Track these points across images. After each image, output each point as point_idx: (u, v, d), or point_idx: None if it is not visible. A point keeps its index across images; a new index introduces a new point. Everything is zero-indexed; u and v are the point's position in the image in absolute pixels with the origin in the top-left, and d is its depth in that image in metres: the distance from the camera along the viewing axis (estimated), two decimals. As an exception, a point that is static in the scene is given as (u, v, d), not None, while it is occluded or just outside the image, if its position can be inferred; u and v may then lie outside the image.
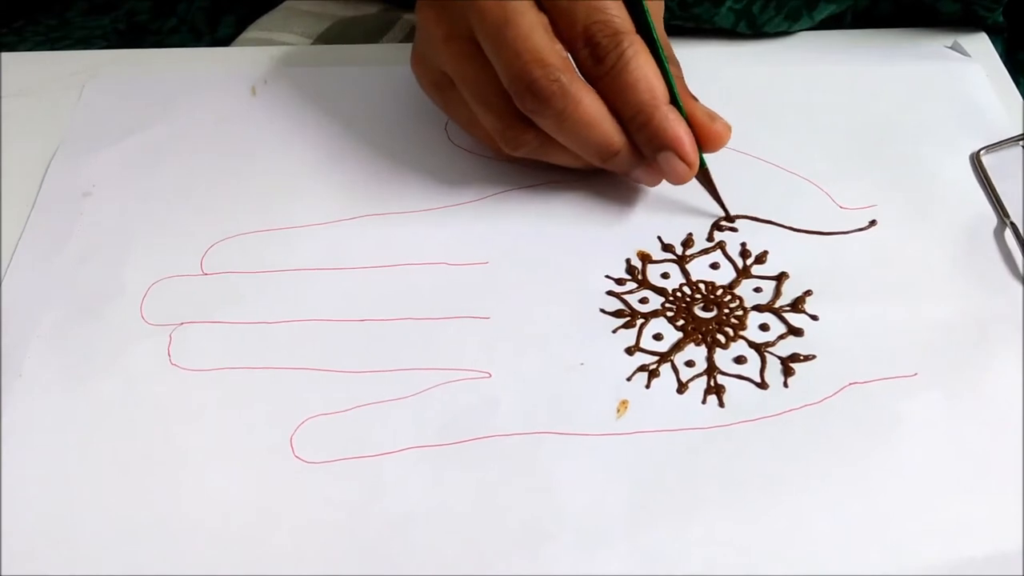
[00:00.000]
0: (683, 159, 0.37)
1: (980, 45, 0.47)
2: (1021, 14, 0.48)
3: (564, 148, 0.38)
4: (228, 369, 0.35)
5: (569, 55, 0.36)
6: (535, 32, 0.35)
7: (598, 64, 0.36)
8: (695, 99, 0.38)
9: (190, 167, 0.42)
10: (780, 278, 0.38)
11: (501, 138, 0.38)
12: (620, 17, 0.36)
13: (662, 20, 0.41)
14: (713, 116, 0.38)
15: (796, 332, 0.36)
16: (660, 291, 0.37)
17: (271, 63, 0.47)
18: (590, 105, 0.36)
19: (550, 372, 0.35)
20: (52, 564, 0.30)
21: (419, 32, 0.40)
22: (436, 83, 0.40)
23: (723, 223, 0.39)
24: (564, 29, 0.36)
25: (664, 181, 0.39)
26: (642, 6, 0.36)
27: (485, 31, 0.36)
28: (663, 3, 0.42)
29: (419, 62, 0.40)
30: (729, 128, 0.38)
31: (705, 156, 0.39)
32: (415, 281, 0.38)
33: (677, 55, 0.39)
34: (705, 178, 0.39)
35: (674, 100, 0.37)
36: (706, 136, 0.38)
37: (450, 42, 0.37)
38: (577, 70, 0.36)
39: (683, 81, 0.38)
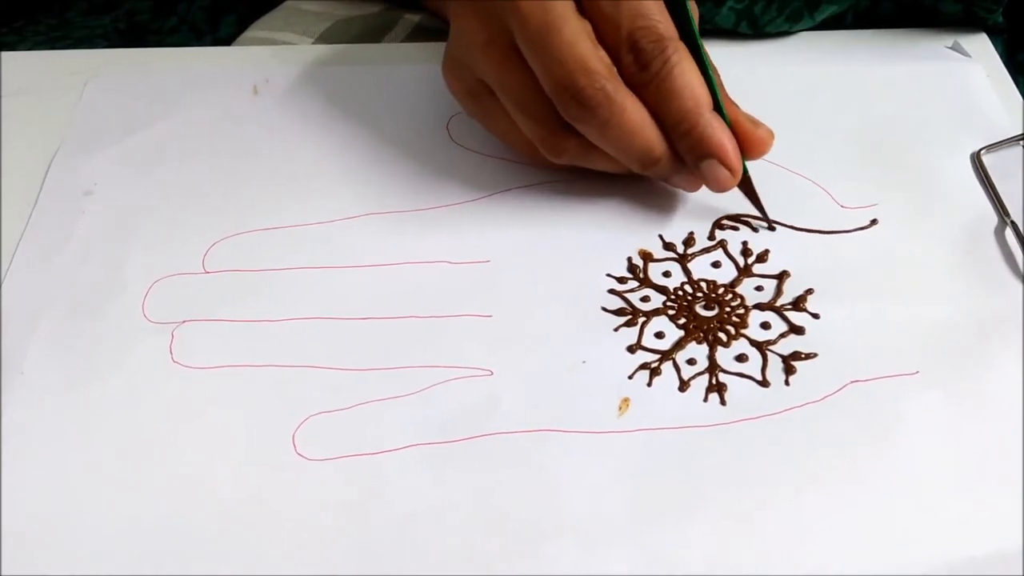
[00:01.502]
0: (727, 167, 0.36)
1: (980, 45, 0.47)
2: (1021, 15, 0.48)
3: (606, 154, 0.37)
4: (230, 367, 0.35)
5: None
6: (579, 39, 0.35)
7: (642, 71, 0.35)
8: (736, 105, 0.38)
9: (192, 166, 0.42)
10: (781, 277, 0.38)
11: (543, 145, 0.38)
12: (664, 23, 0.35)
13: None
14: (756, 122, 0.38)
15: (797, 330, 0.36)
16: (661, 289, 0.37)
17: (273, 62, 0.47)
18: (634, 113, 0.35)
19: (552, 370, 0.35)
20: (52, 564, 0.30)
21: (455, 38, 0.39)
22: (471, 91, 0.39)
23: (724, 221, 0.39)
24: (607, 35, 0.35)
25: (703, 186, 0.38)
26: (686, 11, 0.36)
27: (528, 38, 0.35)
28: (696, 7, 0.41)
29: (453, 69, 0.39)
30: (772, 134, 0.38)
31: (747, 165, 0.38)
32: (417, 279, 0.38)
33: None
34: (747, 185, 0.39)
35: (717, 106, 0.37)
36: (750, 143, 0.37)
37: (490, 49, 0.37)
38: (619, 77, 0.36)
39: (723, 87, 0.38)
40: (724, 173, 0.37)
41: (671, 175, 0.38)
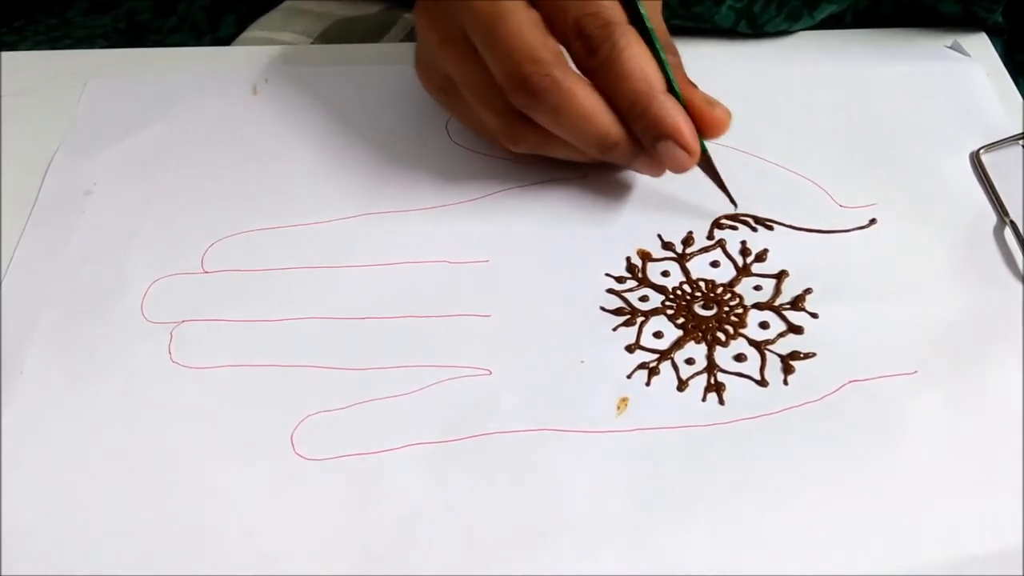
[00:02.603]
0: (683, 147, 0.36)
1: (980, 45, 0.47)
2: (1021, 15, 0.48)
3: (565, 142, 0.38)
4: (229, 367, 0.35)
5: (564, 49, 0.36)
6: (525, 28, 0.35)
7: (591, 56, 0.36)
8: (694, 86, 0.38)
9: (191, 166, 0.42)
10: (780, 276, 0.38)
11: (503, 135, 0.38)
12: (610, 8, 0.36)
13: (660, 11, 0.40)
14: (712, 102, 0.38)
15: (796, 330, 0.36)
16: (660, 289, 0.37)
17: (272, 62, 0.47)
18: (585, 98, 0.36)
19: (550, 369, 0.35)
20: (52, 564, 0.30)
21: (420, 38, 0.40)
22: (440, 86, 0.40)
23: (723, 220, 0.40)
24: (556, 23, 0.36)
25: (668, 173, 0.38)
26: None
27: (477, 31, 0.36)
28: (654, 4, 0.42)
29: (421, 66, 0.41)
30: (729, 113, 0.38)
31: (707, 145, 0.38)
32: (416, 279, 0.38)
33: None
34: (708, 165, 0.39)
35: (671, 88, 0.37)
36: (705, 122, 0.37)
37: (446, 45, 0.37)
38: (572, 64, 0.36)
39: (682, 69, 0.38)
40: (681, 154, 0.37)
41: (631, 160, 0.38)
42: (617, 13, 0.36)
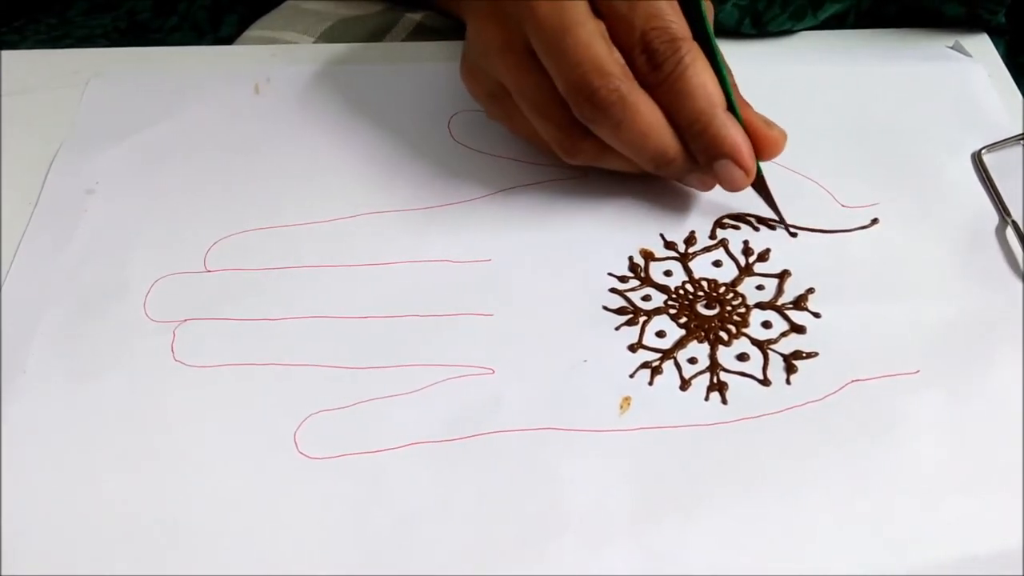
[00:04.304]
0: (741, 167, 0.36)
1: (981, 45, 0.47)
2: (1023, 17, 0.48)
3: (620, 155, 0.37)
4: (231, 366, 0.35)
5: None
6: (593, 40, 0.34)
7: (655, 71, 0.35)
8: (749, 106, 0.38)
9: (193, 165, 0.42)
10: (782, 276, 0.38)
11: (559, 147, 0.38)
12: (677, 23, 0.35)
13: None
14: (770, 123, 0.38)
15: (798, 329, 0.36)
16: (663, 288, 0.37)
17: (274, 61, 0.47)
18: (648, 114, 0.35)
19: (553, 369, 0.35)
20: (52, 564, 0.30)
21: (472, 43, 0.39)
22: (490, 93, 0.39)
23: (725, 220, 0.40)
24: (621, 35, 0.35)
25: (716, 186, 0.38)
26: (700, 11, 0.36)
27: (543, 40, 0.35)
28: (712, 7, 0.41)
29: (472, 73, 0.40)
30: (785, 135, 0.38)
31: (760, 164, 0.38)
32: (418, 278, 0.38)
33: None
34: (761, 185, 0.39)
35: (731, 106, 0.36)
36: (763, 143, 0.37)
37: (505, 52, 0.37)
38: (633, 78, 0.36)
39: (737, 88, 0.38)
40: (738, 173, 0.37)
41: (685, 175, 0.38)
42: (683, 28, 0.35)
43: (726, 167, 0.36)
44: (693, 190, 0.40)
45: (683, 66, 0.35)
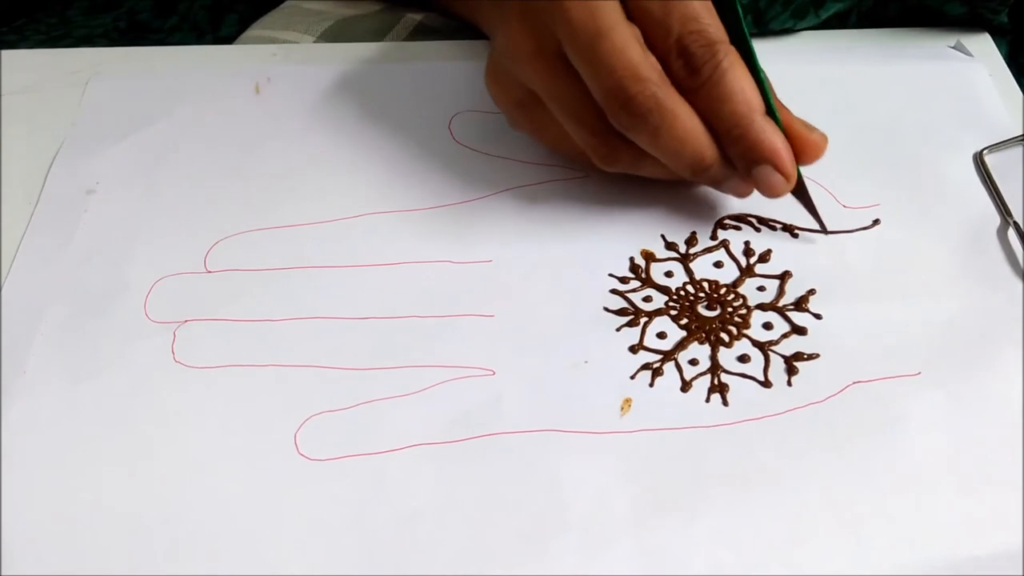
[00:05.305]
0: (781, 172, 0.36)
1: (982, 45, 0.47)
2: (1025, 17, 0.48)
3: (657, 161, 0.36)
4: (232, 367, 0.35)
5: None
6: (629, 45, 0.34)
7: (693, 76, 0.34)
8: (787, 109, 0.37)
9: (194, 165, 0.42)
10: (783, 277, 0.38)
11: (595, 154, 0.37)
12: (714, 25, 0.34)
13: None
14: (810, 127, 0.37)
15: (800, 331, 0.36)
16: (663, 289, 0.37)
17: (274, 61, 0.47)
18: (686, 120, 0.35)
19: (554, 370, 0.35)
20: (52, 563, 0.30)
21: (500, 49, 0.38)
22: (519, 101, 0.38)
23: (727, 221, 0.39)
24: (656, 39, 0.34)
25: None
26: (737, 13, 0.35)
27: (576, 45, 0.34)
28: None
29: (499, 80, 0.38)
30: (826, 138, 0.37)
31: (800, 169, 0.37)
32: (419, 279, 0.38)
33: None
34: (801, 191, 0.38)
35: (770, 110, 0.36)
36: (804, 147, 0.36)
37: (538, 58, 0.36)
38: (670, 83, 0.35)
39: (774, 91, 0.37)
40: (778, 178, 0.36)
41: (722, 182, 0.37)
42: (720, 32, 0.35)
43: (766, 172, 0.36)
44: (693, 190, 0.40)
45: (721, 70, 0.34)
